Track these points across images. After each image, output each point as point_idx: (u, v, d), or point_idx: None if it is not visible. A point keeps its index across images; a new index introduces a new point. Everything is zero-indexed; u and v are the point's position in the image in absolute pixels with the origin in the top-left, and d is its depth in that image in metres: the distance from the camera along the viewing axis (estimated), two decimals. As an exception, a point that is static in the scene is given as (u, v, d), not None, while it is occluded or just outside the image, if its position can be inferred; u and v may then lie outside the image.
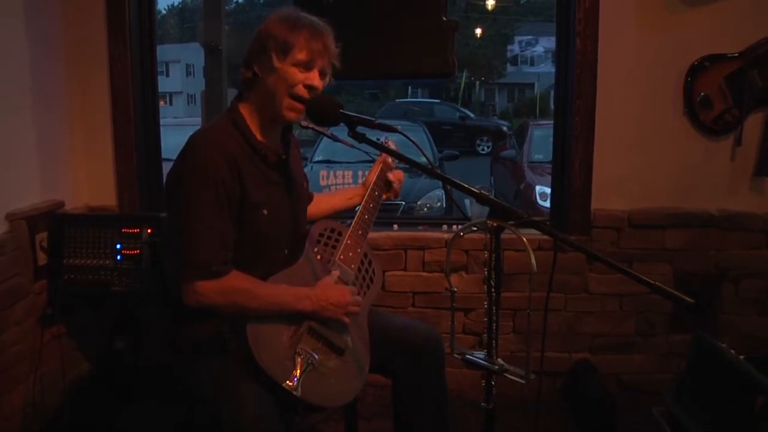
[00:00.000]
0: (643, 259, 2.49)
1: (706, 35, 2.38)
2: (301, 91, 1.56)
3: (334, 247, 1.73)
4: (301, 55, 1.55)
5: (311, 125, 1.67)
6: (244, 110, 1.63)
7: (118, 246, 2.29)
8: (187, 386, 1.69)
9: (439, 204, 5.74)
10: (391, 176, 1.91)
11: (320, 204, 1.98)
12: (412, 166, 1.53)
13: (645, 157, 2.47)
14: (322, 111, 1.55)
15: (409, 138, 1.61)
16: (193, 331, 1.61)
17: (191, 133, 1.58)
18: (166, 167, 1.67)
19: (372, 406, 2.42)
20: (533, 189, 6.40)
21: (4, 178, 2.12)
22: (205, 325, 1.58)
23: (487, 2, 19.55)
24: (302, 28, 1.57)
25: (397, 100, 18.96)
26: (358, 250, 1.73)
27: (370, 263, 1.80)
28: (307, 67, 1.57)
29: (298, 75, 1.56)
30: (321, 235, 1.74)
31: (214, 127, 1.62)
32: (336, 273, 1.66)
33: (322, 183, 5.58)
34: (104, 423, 2.31)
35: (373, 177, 1.88)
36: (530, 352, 1.33)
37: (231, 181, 1.53)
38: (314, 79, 1.58)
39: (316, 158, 6.56)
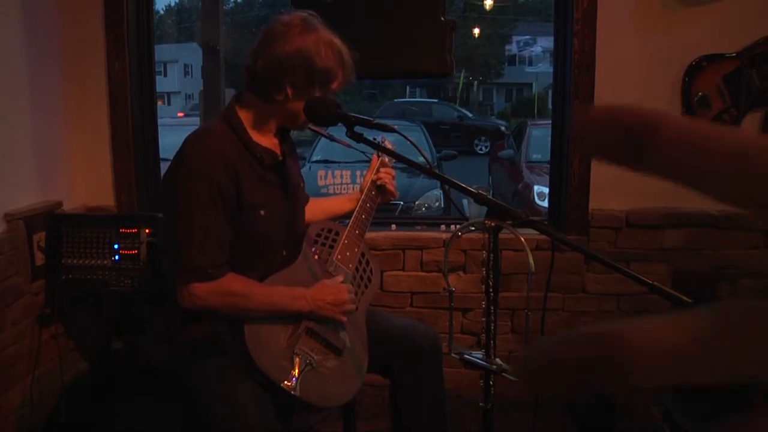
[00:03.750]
0: (641, 258, 2.49)
1: (704, 35, 2.38)
2: None
3: (331, 247, 1.72)
4: (335, 86, 1.62)
5: (309, 125, 1.67)
6: (243, 113, 1.62)
7: (116, 246, 2.29)
8: (185, 386, 1.69)
9: (437, 204, 5.74)
10: (379, 179, 1.84)
11: (313, 209, 1.93)
12: (410, 166, 1.54)
13: (643, 157, 2.46)
14: (321, 111, 1.55)
15: (407, 138, 1.61)
16: (190, 331, 1.61)
17: (188, 134, 1.58)
18: (164, 167, 1.67)
19: (370, 407, 2.41)
20: (531, 189, 6.39)
21: (1, 178, 2.11)
22: (203, 325, 1.58)
23: (485, 2, 19.49)
24: (346, 61, 1.61)
25: (395, 100, 18.91)
26: (356, 249, 1.73)
27: (367, 263, 1.80)
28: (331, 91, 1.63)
29: None
30: (318, 235, 1.73)
31: (210, 128, 1.61)
32: (339, 278, 1.66)
33: (320, 183, 5.57)
34: (102, 422, 2.31)
35: (370, 177, 1.88)
36: (528, 351, 1.33)
37: (227, 181, 1.53)
38: None
39: (314, 158, 6.55)
